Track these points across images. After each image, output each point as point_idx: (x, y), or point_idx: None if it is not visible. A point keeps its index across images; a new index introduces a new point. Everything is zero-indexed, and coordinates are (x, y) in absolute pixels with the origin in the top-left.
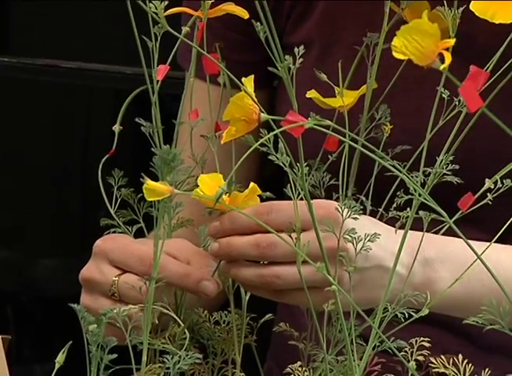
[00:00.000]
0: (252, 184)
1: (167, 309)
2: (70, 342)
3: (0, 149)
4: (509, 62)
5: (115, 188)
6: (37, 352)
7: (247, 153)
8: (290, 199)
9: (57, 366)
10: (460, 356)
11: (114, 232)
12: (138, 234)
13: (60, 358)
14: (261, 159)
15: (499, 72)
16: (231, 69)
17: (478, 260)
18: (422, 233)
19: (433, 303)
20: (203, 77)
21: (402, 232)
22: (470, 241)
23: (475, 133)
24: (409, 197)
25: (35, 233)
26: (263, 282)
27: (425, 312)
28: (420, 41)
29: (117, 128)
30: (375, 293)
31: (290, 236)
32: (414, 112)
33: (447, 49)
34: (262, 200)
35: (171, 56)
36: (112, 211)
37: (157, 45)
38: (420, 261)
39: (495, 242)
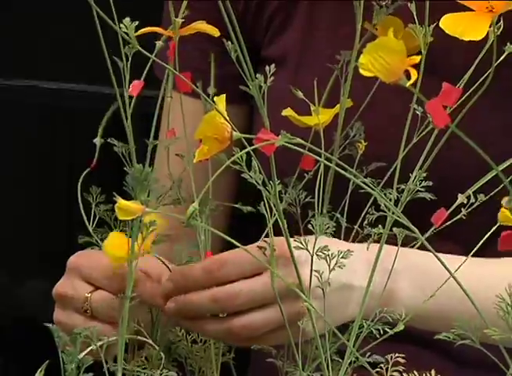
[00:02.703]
0: None
1: (142, 330)
2: (47, 362)
3: None
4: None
5: (93, 205)
6: (22, 374)
7: (218, 171)
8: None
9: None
10: (433, 372)
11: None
12: None
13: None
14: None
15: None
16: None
17: (439, 270)
18: (382, 245)
19: (397, 314)
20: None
21: (357, 246)
22: (442, 254)
23: (449, 144)
24: (380, 213)
25: (20, 255)
26: (231, 334)
27: (400, 327)
28: (385, 58)
29: (98, 141)
30: (347, 312)
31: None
32: (391, 124)
33: (418, 66)
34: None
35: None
36: (90, 229)
37: (129, 65)
38: (380, 272)
39: (467, 255)
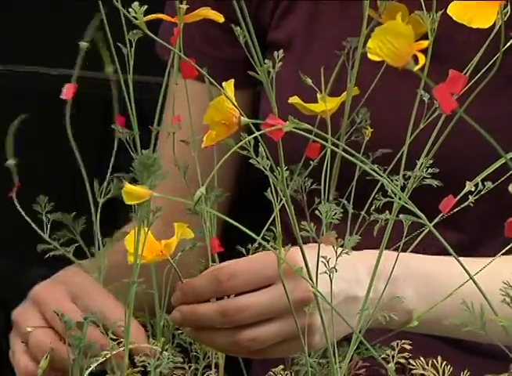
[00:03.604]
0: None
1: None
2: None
3: None
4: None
5: (43, 214)
6: None
7: (226, 156)
8: (271, 203)
9: (40, 371)
10: (439, 358)
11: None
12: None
13: (43, 363)
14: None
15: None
16: (212, 66)
17: (441, 275)
18: (385, 251)
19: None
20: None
21: (359, 255)
22: (441, 257)
23: (455, 129)
24: (387, 199)
25: (26, 240)
26: (238, 347)
27: (414, 323)
28: (393, 43)
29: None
30: (352, 323)
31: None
32: (396, 110)
33: (426, 51)
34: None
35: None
36: (46, 237)
37: (132, 52)
38: (384, 280)
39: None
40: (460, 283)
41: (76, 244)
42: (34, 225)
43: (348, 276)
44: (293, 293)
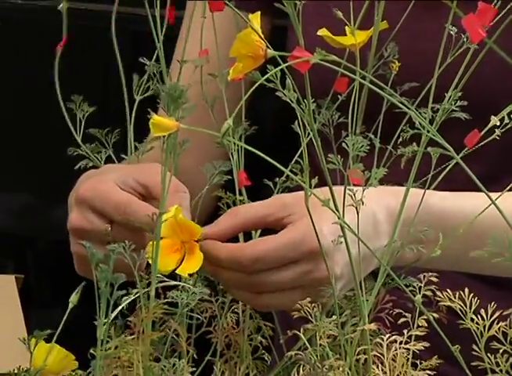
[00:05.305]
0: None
1: None
2: (84, 283)
3: (17, 85)
4: None
5: (78, 112)
6: (58, 296)
7: (253, 87)
8: (299, 136)
9: (70, 305)
10: (467, 290)
11: (87, 164)
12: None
13: (74, 298)
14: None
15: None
16: None
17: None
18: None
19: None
20: None
21: (377, 200)
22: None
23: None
24: (415, 131)
25: (54, 177)
26: (254, 306)
27: (437, 252)
28: None
29: None
30: (373, 263)
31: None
32: (423, 39)
33: None
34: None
35: None
36: (78, 140)
37: None
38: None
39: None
40: (480, 219)
41: (107, 152)
42: (69, 121)
43: (368, 234)
44: (315, 272)
